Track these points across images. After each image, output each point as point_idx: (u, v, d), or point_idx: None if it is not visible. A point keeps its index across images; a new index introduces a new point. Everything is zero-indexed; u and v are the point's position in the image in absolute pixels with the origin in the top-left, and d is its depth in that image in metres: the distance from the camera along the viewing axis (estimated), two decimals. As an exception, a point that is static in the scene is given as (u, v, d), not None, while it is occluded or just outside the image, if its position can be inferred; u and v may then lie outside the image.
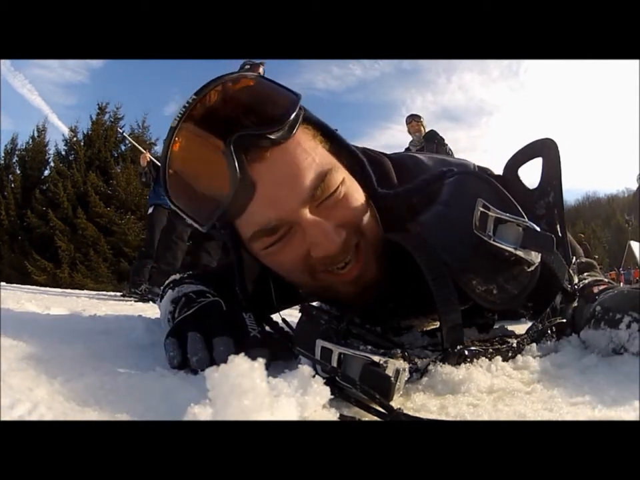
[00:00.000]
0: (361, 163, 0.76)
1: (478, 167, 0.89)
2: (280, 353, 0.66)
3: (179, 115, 0.65)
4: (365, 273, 0.70)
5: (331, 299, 0.74)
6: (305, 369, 0.40)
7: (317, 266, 0.68)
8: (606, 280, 0.86)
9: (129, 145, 13.58)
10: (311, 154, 0.66)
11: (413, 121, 4.75)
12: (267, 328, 0.73)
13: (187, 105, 0.65)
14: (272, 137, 0.62)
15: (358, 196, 0.71)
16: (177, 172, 0.67)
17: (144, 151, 4.87)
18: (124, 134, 11.99)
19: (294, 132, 0.65)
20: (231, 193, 0.62)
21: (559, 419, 0.42)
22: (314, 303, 0.83)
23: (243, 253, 0.74)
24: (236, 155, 0.60)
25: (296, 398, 0.36)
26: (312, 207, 0.65)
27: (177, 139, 0.65)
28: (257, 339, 0.64)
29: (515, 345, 0.65)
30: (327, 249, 0.65)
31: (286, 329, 0.74)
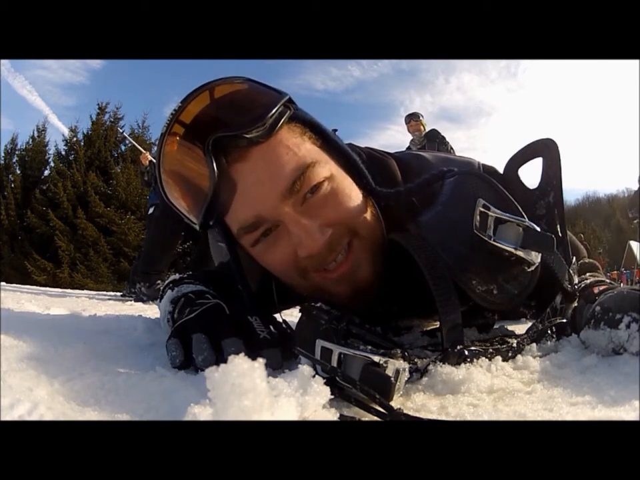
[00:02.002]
0: (354, 161, 0.76)
1: (483, 165, 0.88)
2: (289, 353, 0.66)
3: (167, 122, 0.68)
4: (357, 271, 0.70)
5: (327, 301, 0.74)
6: (305, 368, 0.40)
7: (306, 266, 0.68)
8: (607, 280, 0.86)
9: (129, 144, 13.58)
10: (293, 149, 0.66)
11: (412, 120, 4.69)
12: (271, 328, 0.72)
13: (174, 112, 0.68)
14: (248, 136, 0.64)
15: (350, 193, 0.70)
16: (169, 175, 0.70)
17: (144, 151, 4.87)
18: (124, 133, 11.99)
19: (275, 130, 0.65)
20: (209, 192, 0.65)
21: (559, 418, 0.42)
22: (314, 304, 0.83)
23: (240, 252, 0.75)
24: (214, 156, 0.63)
25: (296, 398, 0.36)
26: (296, 206, 0.65)
27: (166, 144, 0.68)
28: (267, 340, 0.63)
29: (515, 345, 0.65)
30: (311, 248, 0.65)
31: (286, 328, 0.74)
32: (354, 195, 0.71)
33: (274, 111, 0.66)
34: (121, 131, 12.60)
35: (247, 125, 0.64)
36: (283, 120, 0.66)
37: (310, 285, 0.72)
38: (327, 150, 0.72)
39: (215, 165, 0.63)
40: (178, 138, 0.67)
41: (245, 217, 0.67)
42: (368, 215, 0.72)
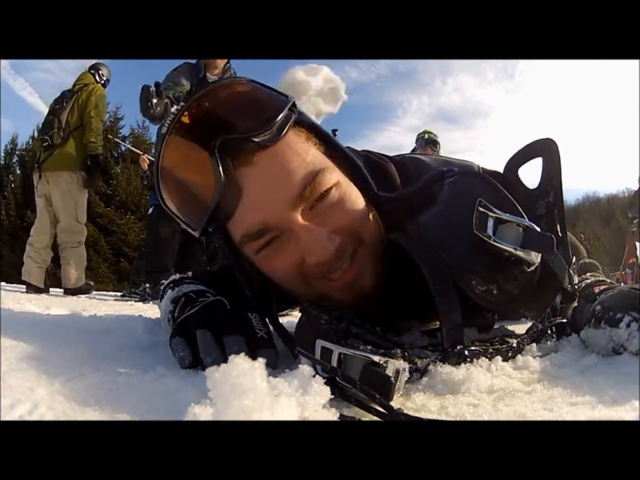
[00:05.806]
0: (357, 166, 0.75)
1: (482, 168, 0.88)
2: (284, 354, 0.66)
3: (168, 122, 0.66)
4: (360, 279, 0.69)
5: (329, 307, 0.73)
6: (305, 368, 0.40)
7: (312, 273, 0.67)
8: (608, 280, 0.86)
9: (130, 143, 13.57)
10: (302, 155, 0.65)
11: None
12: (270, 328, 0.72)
13: (175, 111, 0.66)
14: (257, 139, 0.62)
15: (355, 200, 0.70)
16: (168, 178, 0.69)
17: (141, 154, 4.86)
18: (117, 140, 11.55)
19: (283, 134, 0.64)
20: (215, 197, 0.62)
21: (559, 419, 0.42)
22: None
23: (242, 256, 0.74)
24: (220, 159, 0.61)
25: (296, 398, 0.36)
26: (304, 212, 0.64)
27: (167, 146, 0.66)
28: (264, 339, 0.63)
29: (515, 345, 0.65)
30: (320, 256, 0.64)
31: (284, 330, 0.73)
32: (359, 201, 0.70)
33: (282, 115, 0.64)
34: (114, 138, 12.12)
35: (254, 129, 0.62)
36: (289, 124, 0.65)
37: (312, 292, 0.70)
38: (331, 156, 0.71)
39: (221, 167, 0.61)
40: (179, 141, 0.66)
41: (251, 224, 0.65)
42: (371, 221, 0.71)
